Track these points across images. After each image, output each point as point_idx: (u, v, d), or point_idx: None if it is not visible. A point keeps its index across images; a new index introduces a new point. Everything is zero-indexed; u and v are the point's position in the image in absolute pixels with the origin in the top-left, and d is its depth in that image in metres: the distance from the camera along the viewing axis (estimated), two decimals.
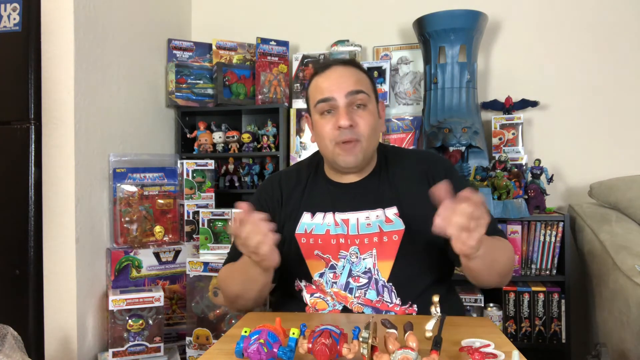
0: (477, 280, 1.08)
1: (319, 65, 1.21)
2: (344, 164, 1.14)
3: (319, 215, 1.18)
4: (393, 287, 1.12)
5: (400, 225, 1.13)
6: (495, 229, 1.14)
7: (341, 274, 1.14)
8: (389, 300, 1.12)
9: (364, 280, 1.13)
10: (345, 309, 1.13)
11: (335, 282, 1.14)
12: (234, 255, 1.20)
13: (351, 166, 1.15)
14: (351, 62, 1.21)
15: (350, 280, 1.13)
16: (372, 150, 1.17)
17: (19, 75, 1.67)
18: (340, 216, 1.17)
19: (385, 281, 1.12)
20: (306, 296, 1.18)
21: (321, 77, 1.16)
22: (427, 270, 1.15)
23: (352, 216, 1.16)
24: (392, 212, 1.15)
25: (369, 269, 1.13)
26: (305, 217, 1.19)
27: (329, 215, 1.18)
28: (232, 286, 1.17)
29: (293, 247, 1.18)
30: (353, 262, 1.14)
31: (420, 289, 1.12)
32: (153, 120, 2.23)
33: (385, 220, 1.14)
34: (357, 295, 1.13)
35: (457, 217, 0.83)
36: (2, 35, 1.68)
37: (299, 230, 1.19)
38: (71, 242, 1.70)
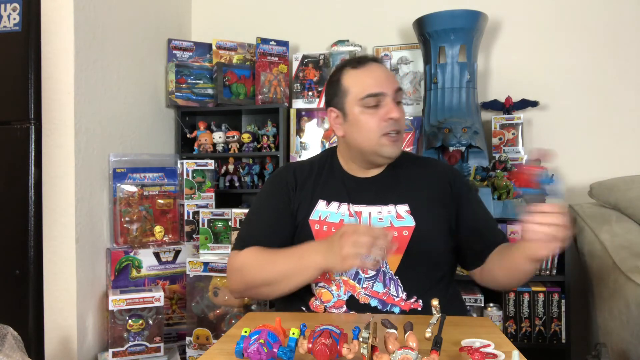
0: (507, 282, 1.20)
1: (353, 59, 1.24)
2: (388, 155, 1.18)
3: (334, 205, 1.21)
4: (399, 281, 1.14)
5: (411, 222, 1.17)
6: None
7: None
8: (395, 294, 1.14)
9: (372, 272, 1.15)
10: (352, 299, 1.15)
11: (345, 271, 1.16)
12: (252, 234, 1.21)
13: (394, 157, 1.20)
14: (381, 61, 1.26)
15: (360, 270, 1.15)
16: None
17: (19, 75, 1.67)
18: (354, 208, 1.20)
19: (393, 274, 1.14)
20: (311, 284, 1.19)
21: (362, 72, 1.19)
22: (433, 267, 1.19)
23: (365, 209, 1.19)
24: (403, 209, 1.19)
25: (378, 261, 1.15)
26: (321, 205, 1.21)
27: (344, 205, 1.20)
28: (263, 272, 1.13)
29: (305, 232, 1.20)
30: None
31: (426, 286, 1.15)
32: (153, 120, 2.23)
33: (396, 216, 1.18)
34: (364, 285, 1.15)
35: (552, 226, 0.95)
36: (2, 35, 1.68)
37: (313, 216, 1.20)
38: (71, 242, 1.70)
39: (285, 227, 1.22)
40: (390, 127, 1.16)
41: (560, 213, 0.95)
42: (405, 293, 1.14)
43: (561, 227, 0.95)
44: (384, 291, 1.14)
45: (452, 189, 1.23)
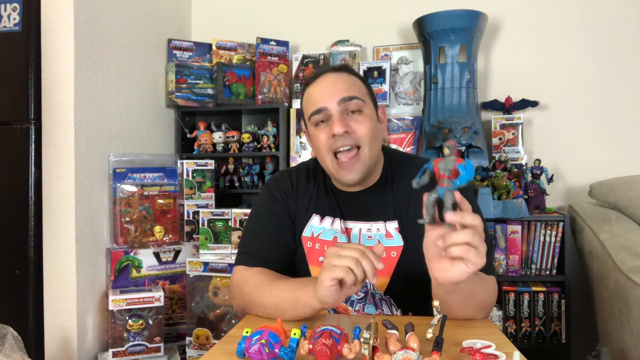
0: (450, 312, 0.96)
1: (311, 74, 1.14)
2: (346, 181, 1.08)
3: (328, 220, 1.15)
4: (391, 300, 1.11)
5: (399, 242, 1.10)
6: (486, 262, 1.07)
7: None
8: (390, 313, 1.11)
9: (361, 294, 1.11)
10: None
11: None
12: (253, 249, 1.14)
13: (354, 182, 1.09)
14: (343, 68, 1.14)
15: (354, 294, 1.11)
16: (374, 158, 1.10)
17: (19, 75, 1.67)
18: (345, 224, 1.14)
19: (382, 294, 1.11)
20: None
21: (312, 88, 1.11)
22: (426, 283, 1.06)
23: (355, 226, 1.13)
24: (392, 226, 1.11)
25: (365, 283, 1.09)
26: (314, 220, 1.16)
27: (337, 221, 1.14)
28: (258, 297, 1.05)
29: (299, 250, 1.16)
30: None
31: (422, 303, 1.07)
32: (153, 120, 2.23)
33: (385, 234, 1.11)
34: (356, 308, 1.12)
35: (459, 244, 0.76)
36: (2, 35, 1.68)
37: (306, 232, 1.15)
38: (71, 242, 1.70)
39: (285, 241, 1.16)
40: (336, 143, 1.05)
41: (472, 228, 0.76)
42: (399, 311, 1.11)
43: (468, 247, 0.76)
44: (377, 312, 1.10)
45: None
